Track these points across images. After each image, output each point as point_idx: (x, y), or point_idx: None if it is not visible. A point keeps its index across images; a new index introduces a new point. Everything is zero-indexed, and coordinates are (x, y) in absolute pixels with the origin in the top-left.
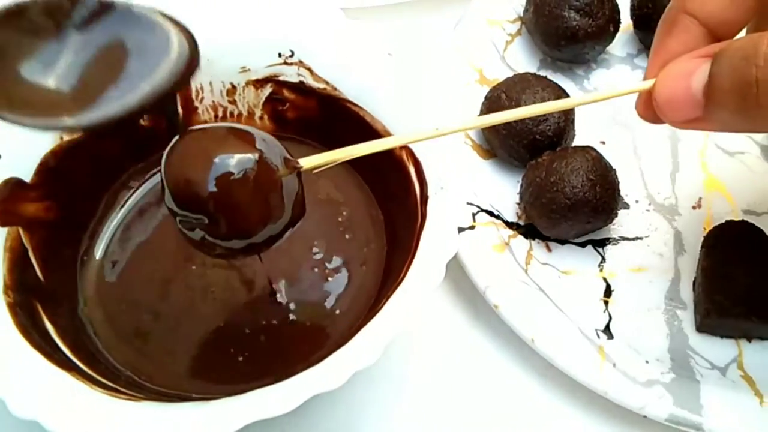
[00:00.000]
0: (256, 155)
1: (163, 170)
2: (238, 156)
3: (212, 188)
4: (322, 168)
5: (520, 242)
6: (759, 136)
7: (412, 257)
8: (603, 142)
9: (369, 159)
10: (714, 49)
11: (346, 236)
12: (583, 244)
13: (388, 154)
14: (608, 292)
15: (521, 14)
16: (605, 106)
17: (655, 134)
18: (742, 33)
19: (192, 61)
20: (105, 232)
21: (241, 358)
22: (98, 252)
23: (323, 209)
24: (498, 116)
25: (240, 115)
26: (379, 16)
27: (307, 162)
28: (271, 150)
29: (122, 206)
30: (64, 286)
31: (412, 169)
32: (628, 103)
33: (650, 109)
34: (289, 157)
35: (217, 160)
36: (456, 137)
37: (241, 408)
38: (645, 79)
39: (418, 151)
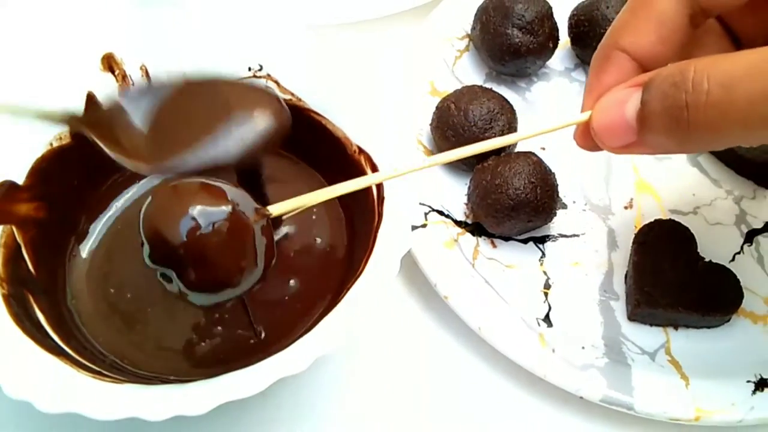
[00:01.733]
0: (229, 207)
1: (140, 227)
2: (211, 210)
3: (186, 241)
4: (290, 213)
5: (468, 239)
6: None
7: (370, 252)
8: (543, 148)
9: (332, 165)
10: (644, 78)
11: (314, 232)
12: (525, 241)
13: (349, 161)
14: (548, 284)
15: (469, 32)
16: (545, 114)
17: None
18: None
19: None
20: (92, 231)
21: (214, 345)
22: (85, 249)
23: (302, 211)
24: (456, 152)
25: None
26: (341, 33)
27: (275, 209)
28: (242, 201)
29: (108, 208)
30: (54, 279)
31: (370, 173)
32: (567, 111)
33: (588, 138)
34: (258, 206)
35: (190, 215)
36: (409, 143)
37: (214, 390)
38: (582, 111)
39: (376, 157)
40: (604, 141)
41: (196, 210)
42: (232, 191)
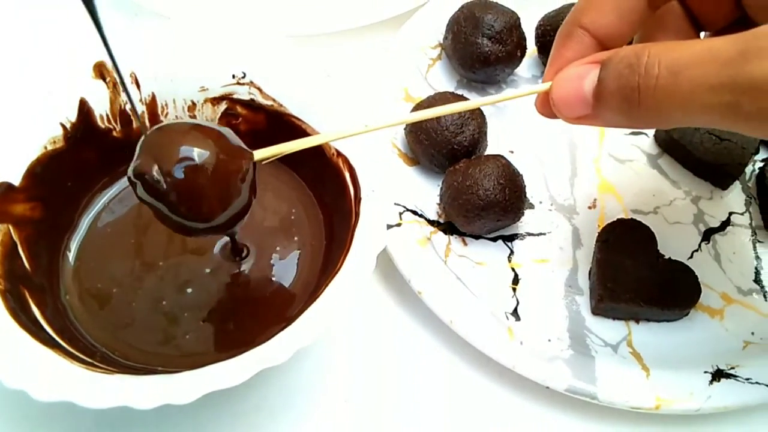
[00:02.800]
0: (217, 147)
1: (134, 161)
2: (201, 147)
3: (178, 175)
4: (273, 158)
5: (440, 237)
6: (646, 146)
7: (348, 250)
8: (512, 151)
9: (312, 167)
10: (603, 57)
11: (293, 230)
12: (494, 239)
13: (327, 163)
14: (516, 280)
15: (441, 41)
16: (514, 119)
17: (556, 144)
18: None
19: None
20: (82, 229)
21: (200, 338)
22: (76, 247)
23: (277, 211)
24: (423, 113)
25: None
26: (319, 42)
27: (258, 153)
28: (230, 142)
29: (97, 207)
30: (48, 276)
31: (347, 175)
32: (534, 116)
33: (547, 106)
34: (245, 148)
35: (181, 150)
36: (385, 147)
37: (201, 380)
38: (543, 81)
39: (353, 159)
40: (561, 111)
41: (186, 146)
42: (221, 132)
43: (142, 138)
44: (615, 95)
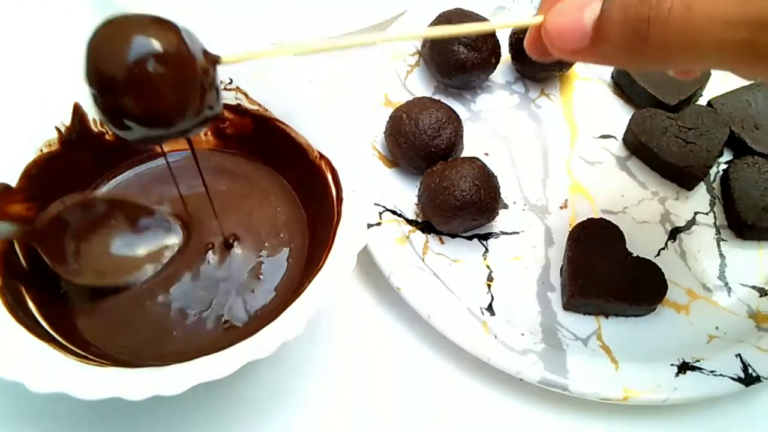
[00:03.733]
0: (177, 42)
1: (86, 52)
2: (159, 41)
3: (133, 68)
4: (240, 61)
5: (418, 236)
6: (615, 149)
7: (330, 248)
8: (487, 154)
9: (296, 169)
10: None
11: (279, 229)
12: (470, 238)
13: (311, 165)
14: (491, 277)
15: (419, 49)
16: (489, 124)
17: (529, 147)
18: None
19: None
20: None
21: (188, 333)
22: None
23: (263, 211)
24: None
25: None
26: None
27: (227, 56)
28: (191, 40)
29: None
30: (44, 273)
31: (329, 177)
32: (508, 120)
33: (537, 43)
34: (208, 50)
35: (138, 43)
36: (365, 150)
37: (189, 372)
38: (538, 14)
39: (335, 161)
40: (554, 43)
41: (143, 39)
42: (182, 29)
43: (95, 31)
44: (620, 27)
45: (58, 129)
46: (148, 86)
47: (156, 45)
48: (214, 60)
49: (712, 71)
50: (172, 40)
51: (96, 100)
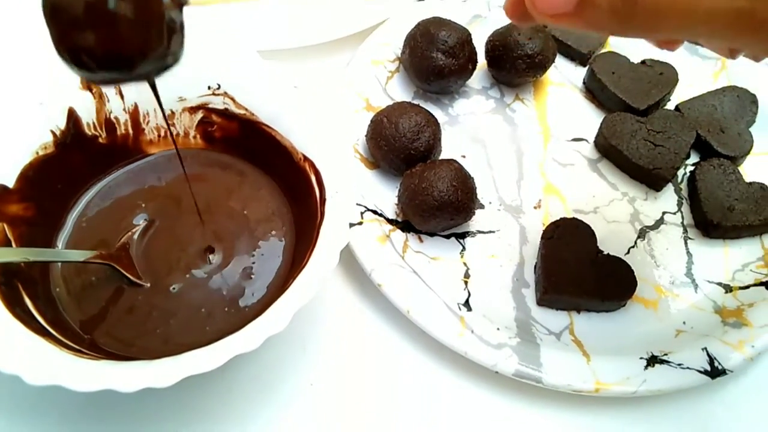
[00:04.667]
0: None
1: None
2: None
3: (93, 2)
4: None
5: (398, 235)
6: (587, 151)
7: (313, 246)
8: (464, 156)
9: (281, 170)
10: None
11: (268, 228)
12: (448, 236)
13: (296, 167)
14: (467, 274)
15: (399, 55)
16: (466, 127)
17: (504, 150)
18: None
19: None
20: (70, 228)
21: (177, 328)
22: (64, 244)
23: (252, 211)
24: None
25: (178, 134)
26: (287, 57)
27: None
28: None
29: (83, 208)
30: (39, 270)
31: (313, 178)
32: (485, 124)
33: (518, 5)
34: None
35: None
36: (348, 152)
37: (179, 366)
38: None
39: (318, 163)
40: (536, 5)
41: None
42: None
43: None
44: None
45: (53, 132)
46: (109, 23)
47: None
48: (180, 2)
49: (680, 77)
50: None
51: (54, 36)
